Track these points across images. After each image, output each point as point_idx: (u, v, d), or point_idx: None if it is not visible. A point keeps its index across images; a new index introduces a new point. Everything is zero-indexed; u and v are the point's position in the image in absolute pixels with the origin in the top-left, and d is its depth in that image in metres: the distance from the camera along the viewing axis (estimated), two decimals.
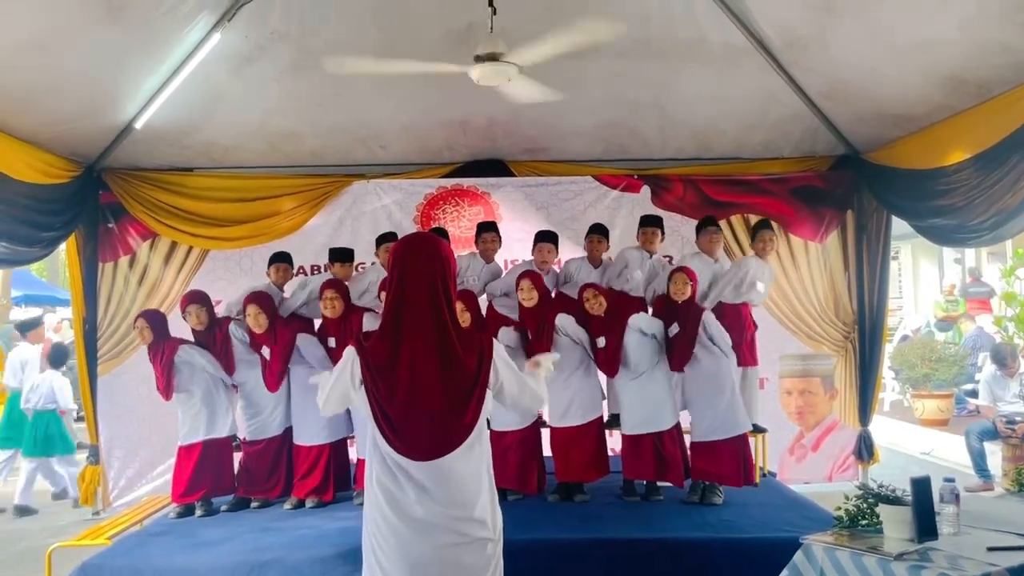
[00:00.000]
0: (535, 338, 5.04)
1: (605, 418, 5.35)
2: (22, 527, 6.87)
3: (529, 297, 5.01)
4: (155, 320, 5.24)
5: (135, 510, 5.39)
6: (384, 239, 5.68)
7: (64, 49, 4.79)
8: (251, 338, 5.21)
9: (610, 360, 5.06)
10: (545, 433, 5.28)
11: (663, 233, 5.71)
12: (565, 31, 4.84)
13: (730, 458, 4.91)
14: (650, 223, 5.66)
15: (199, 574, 4.01)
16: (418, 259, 2.56)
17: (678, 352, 5.02)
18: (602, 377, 5.32)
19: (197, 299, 5.28)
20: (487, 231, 5.83)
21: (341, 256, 5.63)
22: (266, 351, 5.17)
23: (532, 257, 5.67)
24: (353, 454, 5.43)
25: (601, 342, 5.07)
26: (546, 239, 5.62)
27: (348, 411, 4.83)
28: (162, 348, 5.09)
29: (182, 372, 5.08)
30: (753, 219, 6.51)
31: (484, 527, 2.55)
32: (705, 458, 4.98)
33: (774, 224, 6.13)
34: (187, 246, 6.71)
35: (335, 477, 5.19)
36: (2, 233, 5.14)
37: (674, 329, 5.03)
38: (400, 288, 2.54)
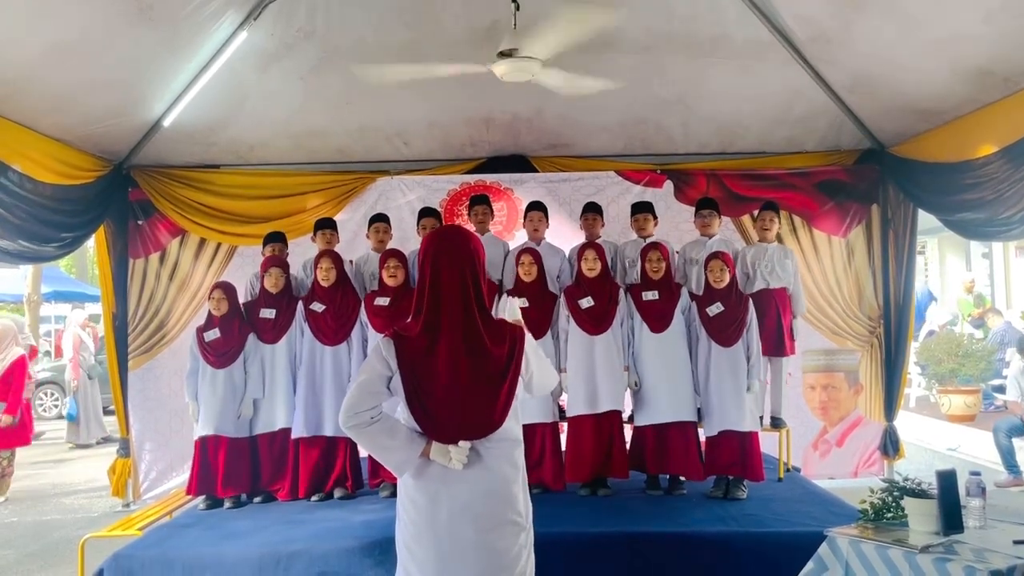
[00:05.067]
0: (598, 308, 5.07)
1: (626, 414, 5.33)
2: (56, 518, 7.00)
3: (593, 268, 5.14)
4: (231, 292, 5.31)
5: (165, 502, 5.44)
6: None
7: (95, 50, 4.88)
8: (310, 291, 5.31)
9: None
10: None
11: (655, 218, 5.67)
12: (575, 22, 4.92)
13: (737, 452, 4.90)
14: (641, 209, 5.67)
15: (227, 565, 4.06)
16: (449, 252, 2.61)
17: (735, 333, 4.99)
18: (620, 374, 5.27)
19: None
20: (478, 204, 5.81)
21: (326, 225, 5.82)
22: (318, 306, 5.20)
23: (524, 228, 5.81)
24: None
25: (715, 309, 5.04)
26: (536, 208, 5.72)
27: None
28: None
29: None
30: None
31: (517, 514, 2.60)
32: (716, 452, 4.98)
33: (787, 210, 6.15)
34: (216, 242, 6.82)
35: (351, 469, 5.20)
36: (21, 232, 5.21)
37: (715, 309, 5.02)
38: (434, 280, 2.59)
